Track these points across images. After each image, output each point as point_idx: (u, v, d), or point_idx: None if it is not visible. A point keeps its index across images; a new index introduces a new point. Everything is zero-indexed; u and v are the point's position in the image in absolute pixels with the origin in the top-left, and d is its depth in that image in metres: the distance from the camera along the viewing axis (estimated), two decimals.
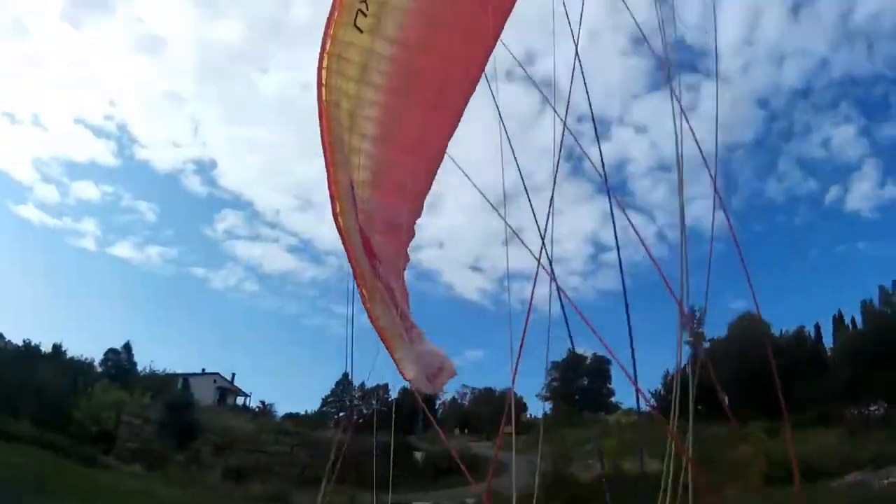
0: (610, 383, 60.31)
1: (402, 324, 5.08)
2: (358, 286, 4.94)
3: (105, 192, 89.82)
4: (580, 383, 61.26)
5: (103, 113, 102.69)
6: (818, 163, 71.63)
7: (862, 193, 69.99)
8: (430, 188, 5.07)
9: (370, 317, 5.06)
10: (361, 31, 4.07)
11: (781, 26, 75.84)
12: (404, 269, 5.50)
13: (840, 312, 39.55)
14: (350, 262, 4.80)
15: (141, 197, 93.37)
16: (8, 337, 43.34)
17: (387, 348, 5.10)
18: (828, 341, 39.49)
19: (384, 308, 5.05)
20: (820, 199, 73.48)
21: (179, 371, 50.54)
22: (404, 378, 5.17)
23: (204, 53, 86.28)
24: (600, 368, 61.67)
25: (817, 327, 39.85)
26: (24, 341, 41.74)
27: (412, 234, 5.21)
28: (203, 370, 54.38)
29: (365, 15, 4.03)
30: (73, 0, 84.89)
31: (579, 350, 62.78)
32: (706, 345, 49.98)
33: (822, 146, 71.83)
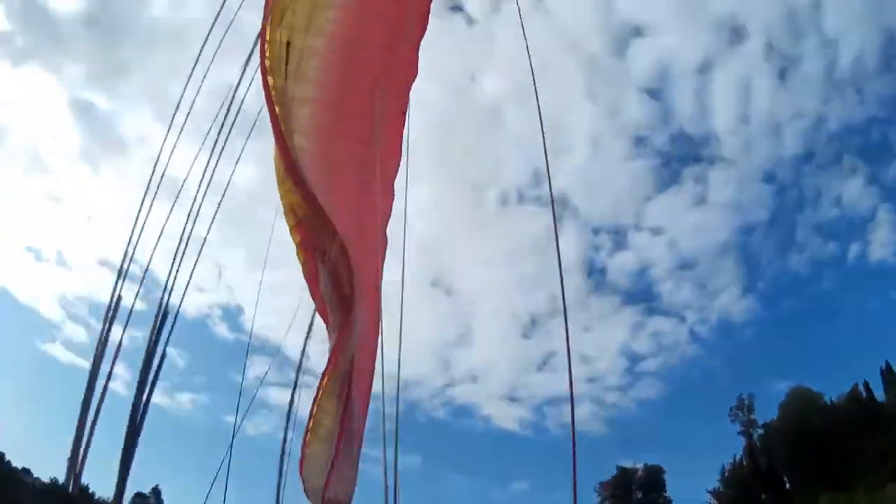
0: (665, 492, 55.05)
1: (347, 425, 5.15)
2: (330, 370, 5.18)
3: (133, 337, 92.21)
4: (634, 497, 55.97)
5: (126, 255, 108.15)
6: (834, 223, 71.52)
7: (881, 241, 68.40)
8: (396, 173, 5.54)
9: (315, 404, 5.20)
10: (285, 78, 4.74)
11: (772, 94, 79.41)
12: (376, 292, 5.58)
13: (887, 363, 36.79)
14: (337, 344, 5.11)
15: (170, 343, 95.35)
16: (36, 474, 43.01)
17: (305, 440, 5.25)
18: (879, 395, 36.29)
19: (334, 405, 5.18)
20: (842, 259, 72.03)
21: None
22: (301, 477, 5.32)
23: (220, 197, 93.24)
24: (653, 480, 56.84)
25: (866, 385, 36.88)
26: (50, 479, 41.28)
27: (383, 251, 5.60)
28: None
29: (287, 64, 4.72)
30: (90, 138, 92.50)
31: (627, 463, 58.40)
32: (759, 430, 46.55)
33: (835, 205, 72.12)
